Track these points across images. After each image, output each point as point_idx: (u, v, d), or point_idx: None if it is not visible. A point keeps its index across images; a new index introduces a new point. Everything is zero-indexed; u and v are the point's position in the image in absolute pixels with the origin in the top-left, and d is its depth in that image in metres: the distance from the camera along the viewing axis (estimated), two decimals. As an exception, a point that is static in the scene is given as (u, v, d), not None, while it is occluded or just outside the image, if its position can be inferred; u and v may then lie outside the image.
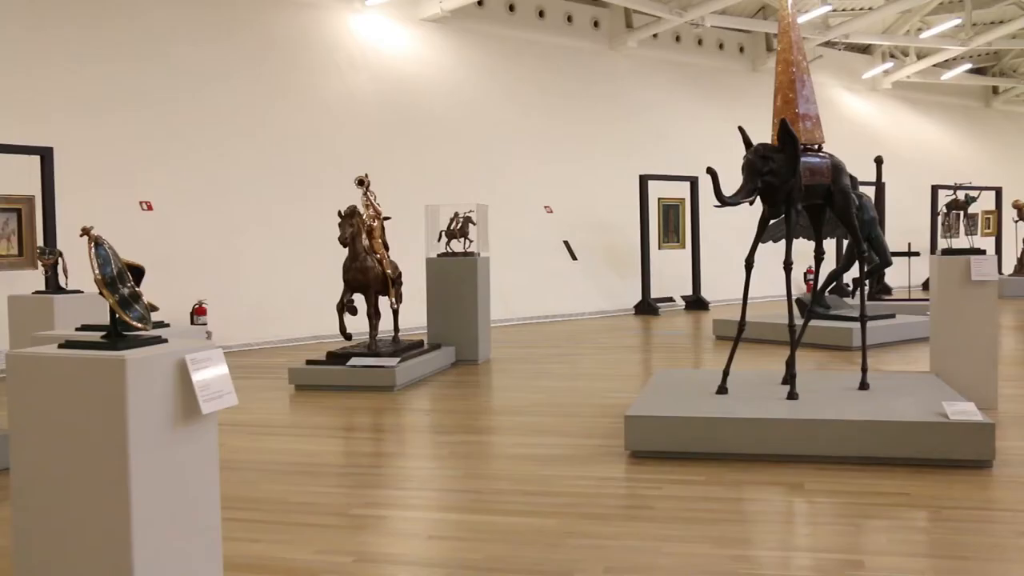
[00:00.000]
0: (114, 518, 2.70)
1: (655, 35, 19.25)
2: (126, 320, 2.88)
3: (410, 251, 10.88)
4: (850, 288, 12.81)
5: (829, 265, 12.35)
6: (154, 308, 3.84)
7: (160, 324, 5.44)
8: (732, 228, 15.67)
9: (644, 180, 15.35)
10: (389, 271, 8.90)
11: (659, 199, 15.84)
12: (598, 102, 18.05)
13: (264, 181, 12.88)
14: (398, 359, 8.36)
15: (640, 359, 10.73)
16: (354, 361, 8.35)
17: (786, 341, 6.50)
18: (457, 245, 10.39)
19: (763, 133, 6.34)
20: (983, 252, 6.94)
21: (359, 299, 8.83)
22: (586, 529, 4.25)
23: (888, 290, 14.94)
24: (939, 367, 6.91)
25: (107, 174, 11.48)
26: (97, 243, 2.89)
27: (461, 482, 5.24)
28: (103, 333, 2.93)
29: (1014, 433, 6.00)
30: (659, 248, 15.82)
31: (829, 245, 13.17)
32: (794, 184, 5.96)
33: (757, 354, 9.66)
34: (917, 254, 15.64)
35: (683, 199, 16.19)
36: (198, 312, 11.46)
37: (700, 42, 20.71)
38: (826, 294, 11.24)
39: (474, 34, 16.77)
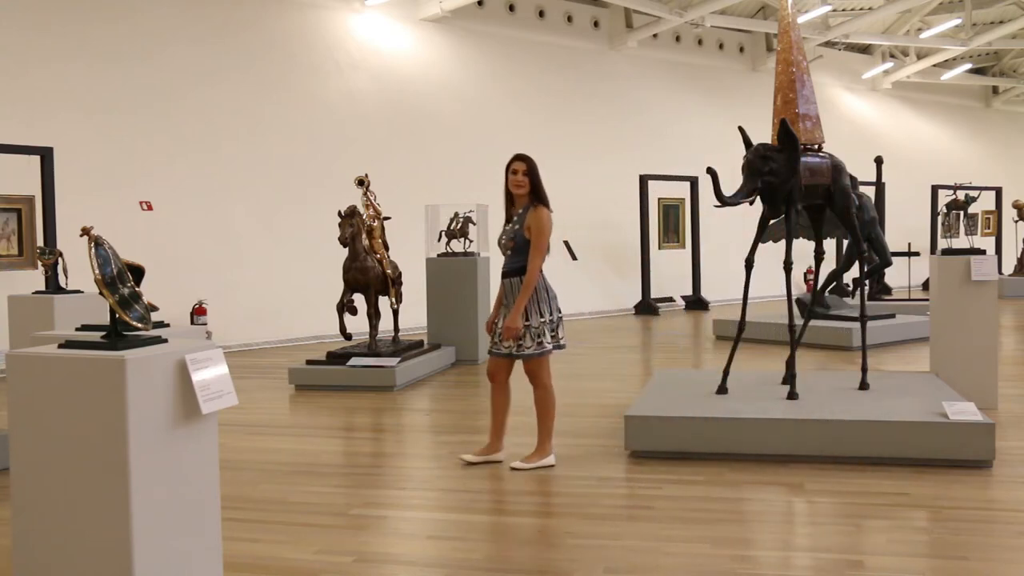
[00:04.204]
0: (114, 518, 2.70)
1: (655, 35, 19.24)
2: (126, 320, 2.87)
3: (410, 251, 10.88)
4: (850, 288, 12.81)
5: (829, 265, 12.34)
6: (154, 308, 3.85)
7: (160, 324, 5.44)
8: (732, 228, 15.69)
9: (644, 180, 15.35)
10: (389, 271, 8.90)
11: (659, 199, 15.84)
12: (598, 102, 18.04)
13: (264, 181, 12.88)
14: (398, 359, 8.36)
15: (640, 359, 10.73)
16: (354, 361, 8.35)
17: (786, 341, 6.50)
18: (457, 245, 10.39)
19: (763, 133, 6.35)
20: (983, 252, 6.94)
21: (359, 299, 8.83)
22: (586, 529, 4.24)
23: (888, 290, 14.94)
24: (939, 367, 6.91)
25: (107, 174, 11.48)
26: (97, 243, 2.89)
27: (461, 482, 5.24)
28: (103, 333, 2.93)
29: (1014, 433, 6.00)
30: (659, 248, 15.82)
31: (829, 245, 13.17)
32: (794, 184, 5.96)
33: (757, 354, 9.66)
34: (917, 254, 15.64)
35: (683, 199, 16.20)
36: (198, 312, 11.46)
37: (700, 42, 20.69)
38: (826, 294, 11.24)
39: (474, 34, 16.77)
